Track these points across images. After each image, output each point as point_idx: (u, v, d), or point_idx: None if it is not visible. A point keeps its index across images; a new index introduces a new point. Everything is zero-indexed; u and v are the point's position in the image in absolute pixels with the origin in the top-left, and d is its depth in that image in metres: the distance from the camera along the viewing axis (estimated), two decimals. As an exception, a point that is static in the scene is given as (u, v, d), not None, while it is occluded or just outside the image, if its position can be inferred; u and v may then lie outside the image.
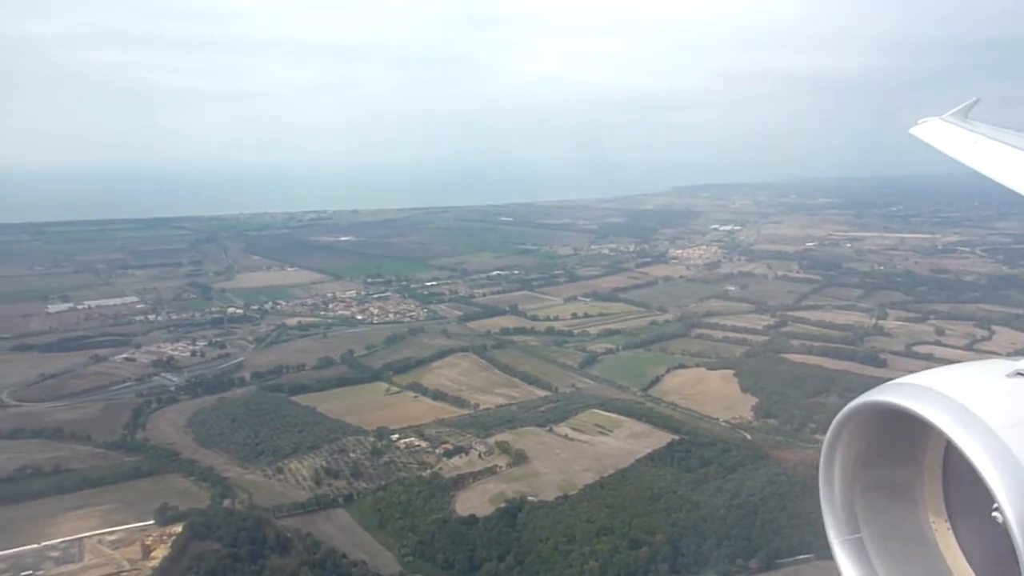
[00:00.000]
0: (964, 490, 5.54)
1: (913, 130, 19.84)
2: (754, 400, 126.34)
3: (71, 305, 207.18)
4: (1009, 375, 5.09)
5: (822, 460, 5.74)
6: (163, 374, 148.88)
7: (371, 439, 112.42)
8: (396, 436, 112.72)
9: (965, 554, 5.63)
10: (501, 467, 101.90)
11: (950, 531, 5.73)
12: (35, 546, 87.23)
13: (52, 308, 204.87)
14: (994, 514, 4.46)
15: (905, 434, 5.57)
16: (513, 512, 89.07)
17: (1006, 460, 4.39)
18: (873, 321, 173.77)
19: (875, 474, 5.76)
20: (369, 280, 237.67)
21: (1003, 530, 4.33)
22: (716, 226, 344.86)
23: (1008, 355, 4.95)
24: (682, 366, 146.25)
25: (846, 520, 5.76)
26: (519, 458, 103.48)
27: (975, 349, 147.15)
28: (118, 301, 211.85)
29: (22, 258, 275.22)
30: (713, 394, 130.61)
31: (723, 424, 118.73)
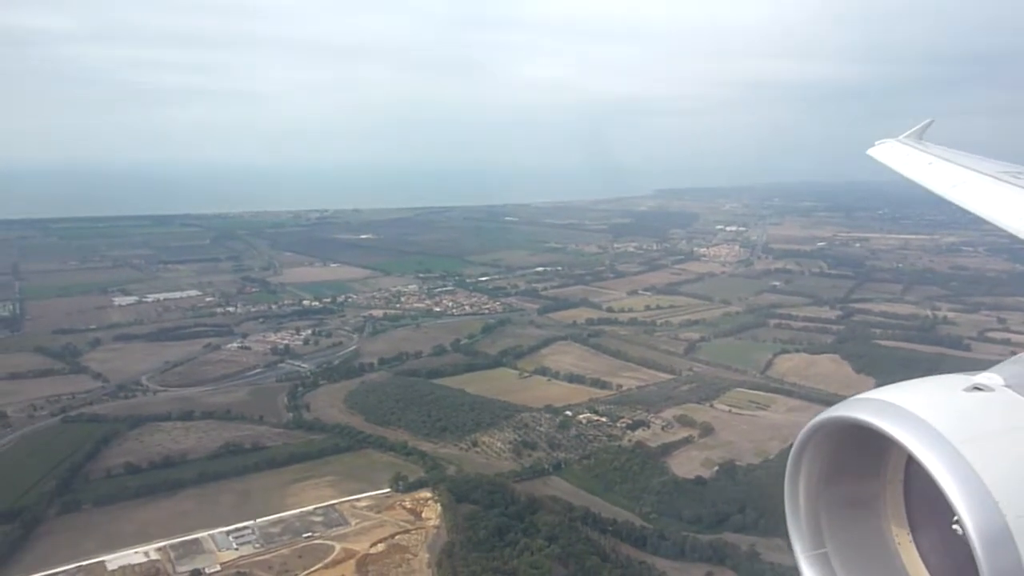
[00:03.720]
0: (925, 502, 5.67)
1: (871, 151, 20.65)
2: (872, 380, 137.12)
3: (137, 298, 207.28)
4: (966, 389, 5.26)
5: (787, 476, 5.86)
6: (288, 361, 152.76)
7: (546, 415, 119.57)
8: (571, 412, 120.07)
9: (926, 565, 5.79)
10: (694, 437, 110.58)
11: (912, 542, 5.87)
12: (294, 512, 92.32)
13: (119, 301, 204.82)
14: (954, 526, 4.58)
15: (868, 448, 5.63)
16: (730, 473, 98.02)
17: (964, 473, 4.53)
18: (931, 312, 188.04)
19: (839, 488, 5.87)
20: (420, 275, 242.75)
21: (963, 540, 4.48)
22: (721, 227, 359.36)
23: (966, 371, 5.56)
24: (784, 351, 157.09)
25: (811, 535, 5.87)
26: (706, 429, 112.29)
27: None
28: (182, 295, 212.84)
29: (46, 254, 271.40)
30: (830, 375, 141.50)
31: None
